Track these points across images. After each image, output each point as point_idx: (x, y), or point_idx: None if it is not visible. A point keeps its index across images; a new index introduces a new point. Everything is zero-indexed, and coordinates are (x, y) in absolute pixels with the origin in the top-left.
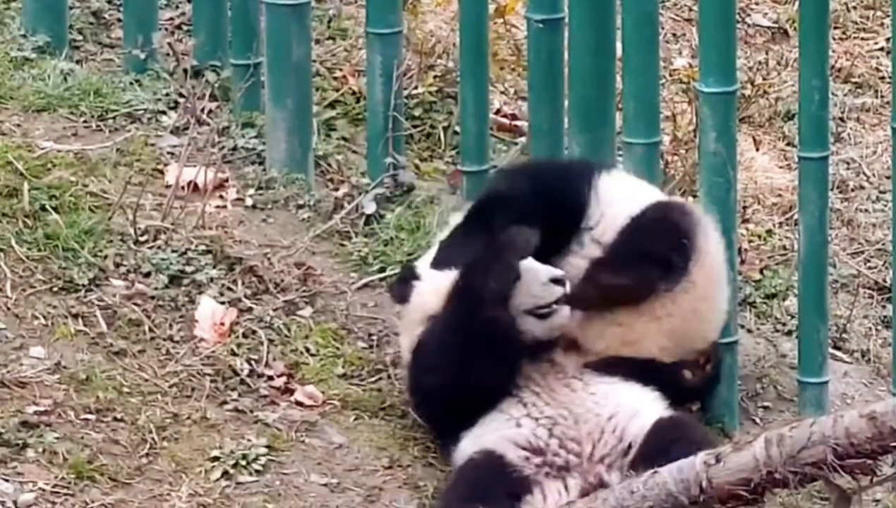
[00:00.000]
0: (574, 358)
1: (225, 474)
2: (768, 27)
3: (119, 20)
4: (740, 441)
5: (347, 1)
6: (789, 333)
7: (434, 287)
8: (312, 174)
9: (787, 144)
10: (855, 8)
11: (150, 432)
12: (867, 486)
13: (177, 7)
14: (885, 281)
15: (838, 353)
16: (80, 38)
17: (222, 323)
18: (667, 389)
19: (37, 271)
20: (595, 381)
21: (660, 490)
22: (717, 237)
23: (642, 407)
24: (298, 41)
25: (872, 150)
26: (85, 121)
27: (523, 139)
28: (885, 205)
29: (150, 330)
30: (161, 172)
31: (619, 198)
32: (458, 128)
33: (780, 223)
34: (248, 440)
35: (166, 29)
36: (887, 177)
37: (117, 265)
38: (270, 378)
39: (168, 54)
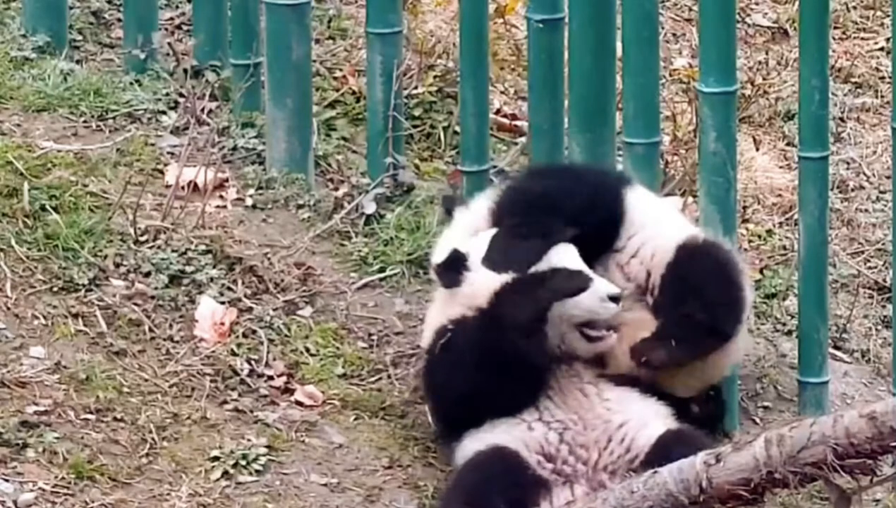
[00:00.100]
0: (593, 368)
1: (225, 474)
2: (768, 27)
3: (119, 20)
4: (740, 441)
5: (347, 1)
6: (789, 333)
7: (487, 284)
8: (312, 174)
9: (787, 144)
10: (855, 8)
11: (150, 432)
12: (867, 486)
13: (177, 7)
14: (885, 281)
15: (838, 353)
16: (80, 38)
17: (222, 323)
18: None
19: (37, 271)
20: (609, 389)
21: (660, 490)
22: (748, 271)
23: (653, 420)
24: (298, 41)
25: (872, 150)
26: (85, 121)
27: (523, 139)
28: (885, 205)
29: (150, 330)
30: (161, 172)
31: (645, 223)
32: (458, 128)
33: (780, 223)
34: (248, 440)
35: (166, 29)
36: (887, 177)
37: (117, 265)
38: (270, 378)
39: (168, 54)
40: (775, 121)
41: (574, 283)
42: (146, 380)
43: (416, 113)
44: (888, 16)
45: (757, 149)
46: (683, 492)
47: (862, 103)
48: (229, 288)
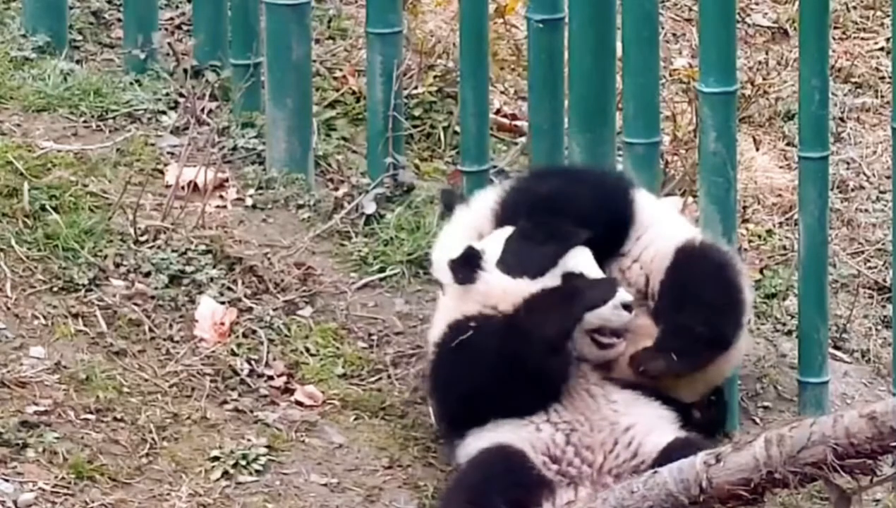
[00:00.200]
0: (599, 372)
1: (225, 474)
2: (768, 27)
3: (119, 20)
4: (740, 441)
5: (347, 1)
6: (789, 333)
7: (504, 287)
8: (312, 174)
9: (787, 144)
10: (855, 8)
11: (150, 432)
12: (867, 486)
13: (177, 7)
14: (885, 281)
15: (838, 353)
16: (80, 38)
17: (222, 323)
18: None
19: (37, 271)
20: (615, 392)
21: (660, 490)
22: (746, 272)
23: (660, 426)
24: (298, 41)
25: (872, 150)
26: (85, 121)
27: (523, 139)
28: (885, 205)
29: (150, 330)
30: (161, 172)
31: (649, 226)
32: (458, 128)
33: (780, 223)
34: (248, 440)
35: (166, 29)
36: (887, 177)
37: (117, 265)
38: (270, 378)
39: (168, 54)
40: (775, 121)
41: (603, 294)
42: (146, 380)
43: (416, 113)
44: (888, 16)
45: (757, 149)
46: (683, 492)
47: (862, 103)
48: (229, 288)
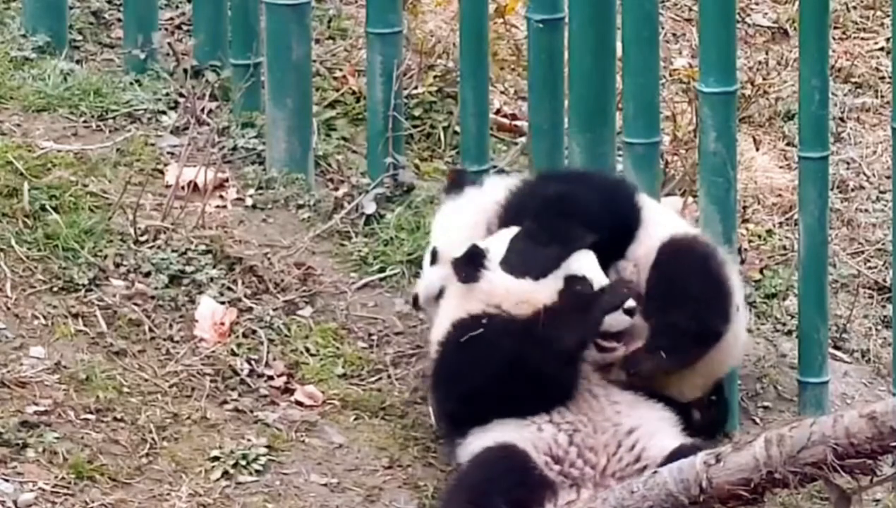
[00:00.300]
0: (600, 373)
1: (225, 474)
2: (768, 27)
3: (119, 20)
4: (740, 441)
5: (347, 1)
6: (789, 333)
7: (507, 287)
8: (312, 174)
9: (787, 144)
10: (855, 8)
11: (150, 432)
12: (867, 486)
13: (177, 7)
14: (885, 281)
15: (838, 353)
16: (80, 38)
17: (222, 323)
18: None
19: (37, 271)
20: (617, 393)
21: (660, 490)
22: (731, 262)
23: (663, 430)
24: (298, 41)
25: (872, 150)
26: (85, 121)
27: (523, 139)
28: (885, 205)
29: (150, 330)
30: (161, 172)
31: (650, 230)
32: (458, 128)
33: (780, 223)
34: (248, 440)
35: (166, 29)
36: (887, 177)
37: (117, 265)
38: (270, 378)
39: (168, 54)
40: (775, 121)
41: (617, 299)
42: (146, 380)
43: (416, 113)
44: (888, 16)
45: (757, 149)
46: (683, 492)
47: (862, 103)
48: (229, 288)
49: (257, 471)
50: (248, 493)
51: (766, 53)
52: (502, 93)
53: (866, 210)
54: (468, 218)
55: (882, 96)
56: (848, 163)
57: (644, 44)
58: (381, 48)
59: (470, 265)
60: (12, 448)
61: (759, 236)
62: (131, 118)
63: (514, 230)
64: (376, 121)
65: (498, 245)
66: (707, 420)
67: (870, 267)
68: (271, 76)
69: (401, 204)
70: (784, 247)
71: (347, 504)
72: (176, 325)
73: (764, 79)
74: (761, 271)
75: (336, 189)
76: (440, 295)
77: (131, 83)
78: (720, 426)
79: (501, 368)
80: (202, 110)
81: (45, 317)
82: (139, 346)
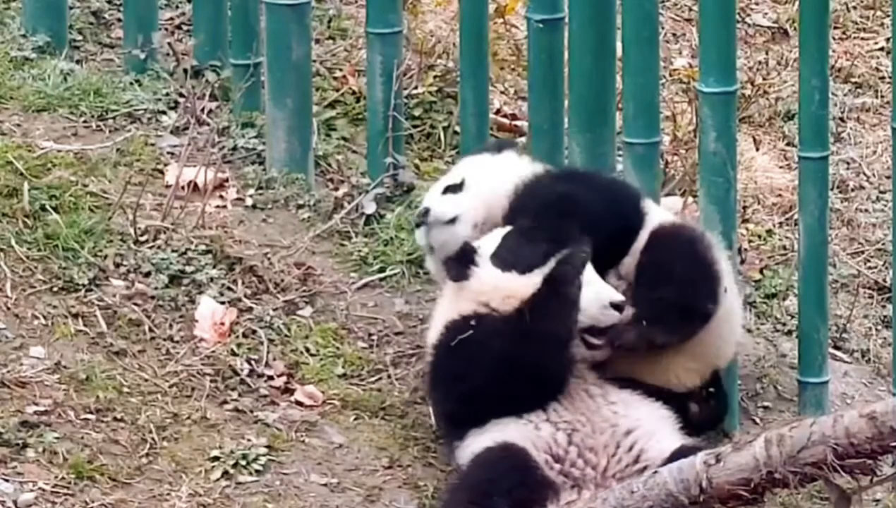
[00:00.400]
0: (596, 371)
1: (225, 474)
2: (768, 27)
3: (119, 20)
4: (740, 441)
5: (347, 1)
6: (789, 333)
7: (494, 282)
8: (312, 174)
9: (787, 144)
10: (855, 8)
11: (150, 432)
12: (867, 486)
13: (177, 7)
14: (885, 281)
15: (838, 353)
16: (80, 38)
17: (222, 323)
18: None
19: (37, 271)
20: (614, 392)
21: (660, 490)
22: (722, 248)
23: (662, 430)
24: (298, 41)
25: (872, 150)
26: (85, 121)
27: (523, 139)
28: (885, 205)
29: (150, 330)
30: (161, 172)
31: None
32: (458, 128)
33: (780, 223)
34: (248, 440)
35: (166, 29)
36: (887, 177)
37: (117, 265)
38: (270, 378)
39: (168, 54)
40: (775, 121)
41: (578, 261)
42: (146, 380)
43: (416, 113)
44: (888, 16)
45: (757, 149)
46: (683, 492)
47: (862, 103)
48: (229, 288)
49: (257, 471)
50: (248, 493)
51: (766, 53)
52: (502, 93)
53: (866, 210)
54: (498, 178)
55: (882, 96)
56: (848, 163)
57: (644, 44)
58: (381, 48)
59: (460, 263)
60: (12, 448)
61: (759, 236)
62: (131, 118)
63: (507, 229)
64: (376, 121)
65: (490, 243)
66: (705, 413)
67: (870, 268)
68: (271, 76)
69: (401, 204)
70: (784, 247)
71: (347, 504)
72: (176, 325)
73: (764, 79)
74: (761, 271)
75: (336, 189)
76: (451, 221)
77: (131, 83)
78: (719, 419)
79: (493, 367)
80: (202, 110)
81: (45, 317)
82: (139, 346)
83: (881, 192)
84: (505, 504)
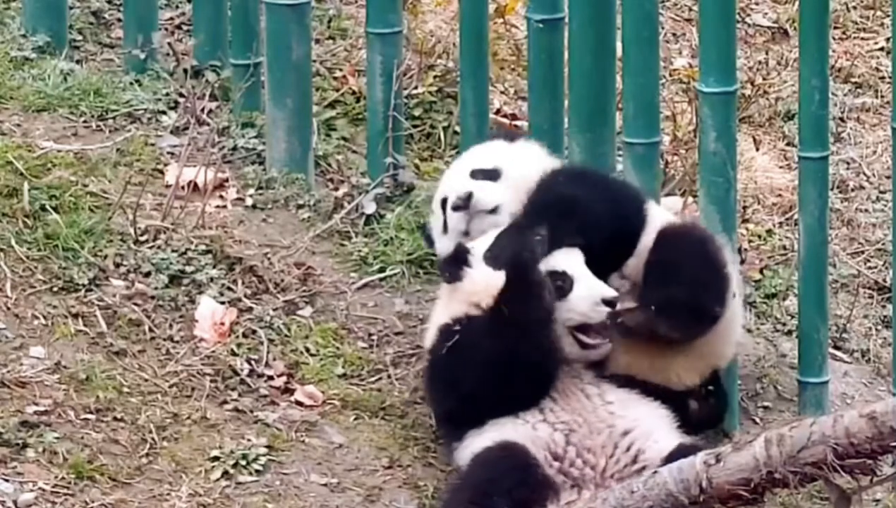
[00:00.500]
0: (593, 369)
1: (225, 474)
2: (768, 27)
3: (119, 20)
4: (740, 441)
5: (347, 1)
6: (789, 333)
7: (486, 281)
8: (312, 174)
9: (787, 144)
10: (855, 8)
11: (150, 432)
12: (867, 486)
13: (177, 7)
14: (885, 281)
15: (838, 353)
16: (80, 38)
17: (222, 323)
18: (675, 418)
19: (37, 271)
20: (611, 391)
21: (660, 490)
22: (728, 248)
23: (659, 429)
24: (298, 41)
25: (872, 150)
26: (85, 121)
27: None
28: (885, 205)
29: (150, 330)
30: (161, 172)
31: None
32: (458, 128)
33: (780, 223)
34: (248, 440)
35: (166, 29)
36: (887, 177)
37: (117, 265)
38: (270, 378)
39: (168, 54)
40: (775, 121)
41: (532, 235)
42: (146, 380)
43: (416, 113)
44: (888, 16)
45: (757, 149)
46: (683, 492)
47: (862, 103)
48: (229, 288)
49: (257, 471)
50: (248, 493)
51: (766, 53)
52: (502, 93)
53: (866, 210)
54: (528, 170)
55: (882, 96)
56: (848, 163)
57: (644, 44)
58: (381, 48)
59: (454, 264)
60: (12, 448)
61: (759, 236)
62: (131, 118)
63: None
64: (376, 121)
65: (484, 244)
66: (704, 411)
67: (870, 268)
68: (271, 76)
69: (401, 204)
70: (784, 247)
71: (347, 504)
72: (176, 325)
73: (764, 79)
74: (761, 271)
75: (336, 189)
76: (494, 210)
77: (131, 83)
78: (719, 418)
79: (485, 365)
80: (202, 110)
81: (45, 317)
82: (139, 346)
83: (881, 192)
84: (505, 503)
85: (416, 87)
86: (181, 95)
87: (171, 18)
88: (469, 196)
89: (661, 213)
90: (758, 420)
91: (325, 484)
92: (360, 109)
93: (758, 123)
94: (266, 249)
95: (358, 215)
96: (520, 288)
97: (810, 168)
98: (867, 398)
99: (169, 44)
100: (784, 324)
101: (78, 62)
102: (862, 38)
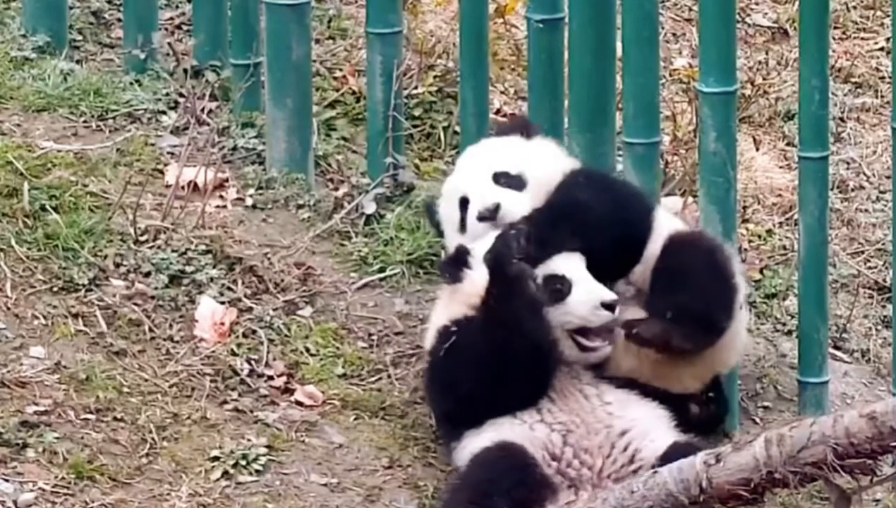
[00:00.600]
0: (592, 370)
1: (225, 474)
2: (768, 27)
3: (119, 20)
4: (740, 441)
5: (347, 1)
6: (789, 333)
7: (484, 281)
8: (312, 174)
9: (787, 144)
10: (855, 8)
11: (150, 432)
12: (867, 486)
13: (177, 7)
14: (885, 281)
15: (838, 353)
16: (80, 38)
17: (222, 323)
18: (675, 420)
19: (37, 271)
20: (609, 392)
21: (660, 490)
22: (736, 258)
23: (656, 430)
24: (298, 41)
25: (872, 150)
26: (85, 121)
27: None
28: (885, 205)
29: (150, 330)
30: (161, 172)
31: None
32: (458, 128)
33: (780, 223)
34: (248, 440)
35: (166, 29)
36: (887, 177)
37: (117, 265)
38: (270, 378)
39: (168, 54)
40: (775, 121)
41: (512, 230)
42: (146, 380)
43: (416, 113)
44: (888, 16)
45: (757, 149)
46: (683, 492)
47: (862, 103)
48: (229, 288)
49: (257, 471)
50: (248, 493)
51: (766, 53)
52: (502, 93)
53: (866, 210)
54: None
55: (882, 96)
56: (848, 163)
57: (644, 44)
58: (381, 48)
59: (454, 266)
60: (12, 448)
61: (759, 236)
62: (131, 118)
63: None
64: (376, 121)
65: (484, 245)
66: (705, 415)
67: (870, 268)
68: (271, 76)
69: (401, 204)
70: (784, 247)
71: (347, 504)
72: (176, 325)
73: (764, 79)
74: (761, 271)
75: (336, 189)
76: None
77: (131, 83)
78: (718, 421)
79: (480, 366)
80: (202, 110)
81: (45, 317)
82: (139, 346)
83: (881, 192)
84: (505, 503)
85: (416, 87)
86: (181, 95)
87: (171, 18)
88: (497, 207)
89: (669, 220)
90: (758, 420)
91: (325, 484)
92: (360, 109)
93: (758, 123)
94: (266, 249)
95: (358, 215)
96: (499, 282)
97: (810, 168)
98: (867, 398)
99: (169, 44)
100: (784, 324)
101: (78, 62)
102: (862, 38)
